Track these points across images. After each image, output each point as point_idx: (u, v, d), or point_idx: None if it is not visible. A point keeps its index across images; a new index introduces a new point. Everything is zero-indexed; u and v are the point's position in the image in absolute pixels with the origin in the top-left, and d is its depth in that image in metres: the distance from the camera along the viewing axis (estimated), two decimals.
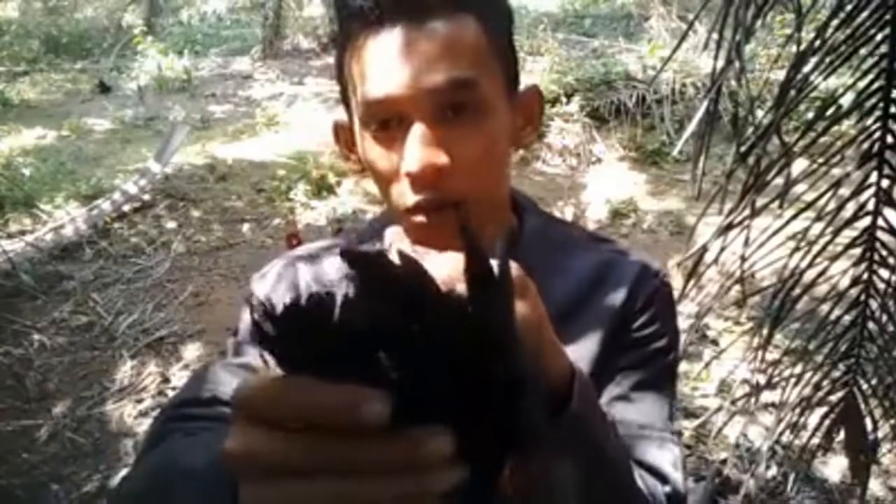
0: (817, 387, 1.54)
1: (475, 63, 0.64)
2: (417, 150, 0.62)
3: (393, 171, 0.65)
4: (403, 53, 0.62)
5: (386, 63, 0.63)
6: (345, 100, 0.70)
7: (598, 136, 5.06)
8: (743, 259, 1.38)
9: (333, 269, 0.77)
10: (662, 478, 0.67)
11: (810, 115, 1.46)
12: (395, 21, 0.63)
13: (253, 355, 0.74)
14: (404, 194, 0.65)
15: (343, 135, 0.75)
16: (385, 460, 0.29)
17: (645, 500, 0.64)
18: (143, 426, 2.65)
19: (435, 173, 0.62)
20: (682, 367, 2.41)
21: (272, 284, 0.78)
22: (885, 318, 1.41)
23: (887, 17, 1.22)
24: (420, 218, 0.65)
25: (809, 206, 1.39)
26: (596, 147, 5.01)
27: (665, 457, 0.69)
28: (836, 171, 1.37)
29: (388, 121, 0.64)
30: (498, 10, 0.69)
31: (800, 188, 1.39)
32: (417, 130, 0.62)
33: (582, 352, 0.71)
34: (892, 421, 1.51)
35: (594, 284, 0.74)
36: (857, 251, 1.40)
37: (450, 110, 0.63)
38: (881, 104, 1.28)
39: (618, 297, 0.73)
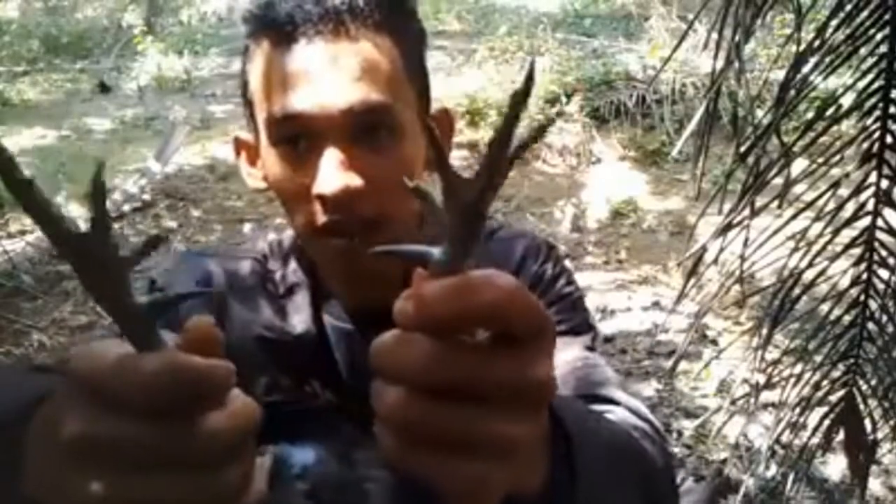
0: (817, 387, 1.54)
1: (390, 86, 0.62)
2: (331, 172, 0.60)
3: (301, 191, 0.62)
4: (318, 70, 0.60)
5: (299, 79, 0.60)
6: (250, 114, 0.68)
7: (598, 136, 5.06)
8: (742, 259, 1.38)
9: (247, 272, 0.76)
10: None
11: (810, 115, 1.46)
12: (310, 36, 0.60)
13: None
14: (314, 214, 0.63)
15: (244, 150, 0.73)
16: None
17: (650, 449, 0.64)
18: None
19: (348, 196, 0.60)
20: (682, 366, 2.41)
21: (176, 275, 0.76)
22: (884, 318, 1.41)
23: (887, 16, 1.22)
24: (337, 241, 0.63)
25: (809, 206, 1.39)
26: (596, 147, 5.01)
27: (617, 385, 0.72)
28: (836, 171, 1.37)
29: (297, 138, 0.62)
30: (412, 32, 0.67)
31: (799, 188, 1.39)
32: (331, 153, 0.60)
33: None
34: (891, 421, 1.51)
35: None
36: (857, 251, 1.40)
37: (363, 132, 0.61)
38: (881, 104, 1.28)
39: None
